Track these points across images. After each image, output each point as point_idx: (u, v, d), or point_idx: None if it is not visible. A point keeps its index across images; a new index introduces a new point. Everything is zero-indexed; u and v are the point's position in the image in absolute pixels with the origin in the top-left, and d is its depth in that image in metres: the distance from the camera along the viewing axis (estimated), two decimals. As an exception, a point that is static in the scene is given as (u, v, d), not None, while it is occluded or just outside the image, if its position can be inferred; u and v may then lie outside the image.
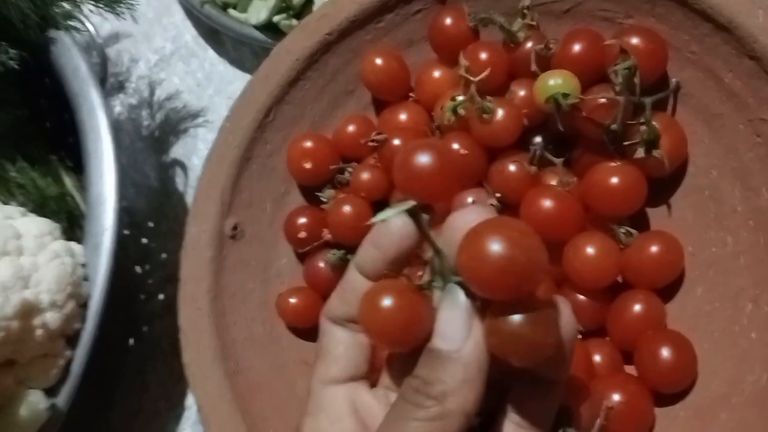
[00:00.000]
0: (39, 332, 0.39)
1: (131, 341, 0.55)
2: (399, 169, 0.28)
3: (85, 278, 0.42)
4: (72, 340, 0.41)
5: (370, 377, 0.31)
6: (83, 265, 0.42)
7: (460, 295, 0.27)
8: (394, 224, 0.28)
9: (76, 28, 0.48)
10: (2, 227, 0.39)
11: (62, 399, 0.41)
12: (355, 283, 0.30)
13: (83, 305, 0.41)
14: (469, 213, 0.27)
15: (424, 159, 0.28)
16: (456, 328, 0.26)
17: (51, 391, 0.41)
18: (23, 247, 0.39)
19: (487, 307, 0.26)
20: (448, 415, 0.25)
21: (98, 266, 0.42)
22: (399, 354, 0.30)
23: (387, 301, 0.27)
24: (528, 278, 0.25)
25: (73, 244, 0.42)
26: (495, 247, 0.24)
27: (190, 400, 0.51)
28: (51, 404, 0.40)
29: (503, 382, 0.28)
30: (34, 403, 0.39)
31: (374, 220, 0.28)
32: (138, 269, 0.58)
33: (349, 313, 0.30)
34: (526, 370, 0.27)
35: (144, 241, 0.59)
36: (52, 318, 0.39)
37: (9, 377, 0.38)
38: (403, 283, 0.28)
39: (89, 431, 0.51)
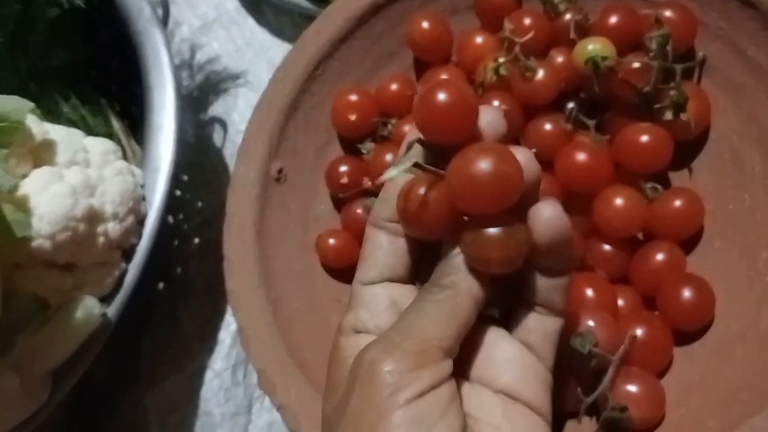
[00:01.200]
0: (100, 239, 0.41)
1: (161, 284, 0.57)
2: (417, 107, 0.31)
3: (143, 198, 0.44)
4: (127, 253, 0.43)
5: (411, 279, 0.34)
6: (142, 186, 0.44)
7: None
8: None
9: (142, -25, 0.51)
10: (72, 140, 0.41)
11: (113, 310, 0.43)
12: (397, 181, 0.33)
13: (141, 222, 0.44)
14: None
15: (441, 96, 0.30)
16: None
17: (103, 301, 0.42)
18: (90, 160, 0.42)
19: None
20: (457, 295, 0.30)
21: (156, 188, 0.44)
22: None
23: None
24: (503, 194, 0.29)
25: (133, 167, 0.45)
26: (480, 165, 0.28)
27: (222, 335, 0.53)
28: (103, 312, 0.42)
29: (519, 278, 0.32)
30: (89, 307, 0.40)
31: (385, 176, 0.31)
32: (171, 218, 0.60)
33: (392, 210, 0.32)
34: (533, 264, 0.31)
35: (178, 192, 0.61)
36: (112, 228, 0.41)
37: (69, 279, 0.40)
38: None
39: (121, 360, 0.52)
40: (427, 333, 0.29)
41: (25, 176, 0.39)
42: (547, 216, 0.30)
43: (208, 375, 0.52)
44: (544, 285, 0.31)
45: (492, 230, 0.29)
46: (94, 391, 0.53)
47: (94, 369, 0.43)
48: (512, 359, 0.32)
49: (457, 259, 0.31)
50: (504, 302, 0.33)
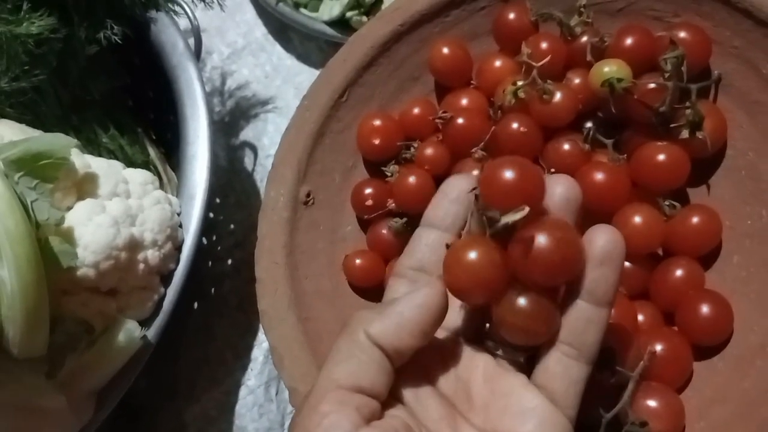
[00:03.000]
0: (141, 266, 0.43)
1: (195, 304, 0.59)
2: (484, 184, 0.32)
3: (180, 226, 0.46)
4: (166, 278, 0.45)
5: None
6: (178, 214, 0.47)
7: None
8: (459, 179, 0.35)
9: (174, 11, 0.53)
10: (112, 172, 0.44)
11: (152, 332, 0.45)
12: (421, 235, 0.34)
13: (178, 248, 0.46)
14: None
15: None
16: None
17: (144, 324, 0.45)
18: (130, 191, 0.44)
19: None
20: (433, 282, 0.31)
21: (192, 215, 0.46)
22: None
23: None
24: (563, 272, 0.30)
25: (170, 196, 0.47)
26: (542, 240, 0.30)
27: (256, 353, 0.55)
28: (144, 334, 0.44)
29: None
30: (131, 330, 0.43)
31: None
32: (204, 240, 0.62)
33: (416, 260, 0.34)
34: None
35: (211, 215, 0.63)
36: (152, 255, 0.44)
37: (112, 304, 0.43)
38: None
39: (161, 376, 0.55)
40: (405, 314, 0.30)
41: (69, 208, 0.42)
42: (604, 228, 0.31)
43: (243, 391, 0.54)
44: (581, 316, 0.31)
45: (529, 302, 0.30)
46: (134, 407, 0.55)
47: (134, 385, 0.46)
48: (531, 410, 0.30)
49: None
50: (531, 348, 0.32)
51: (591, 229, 0.31)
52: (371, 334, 0.30)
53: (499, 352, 0.33)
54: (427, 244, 0.34)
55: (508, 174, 0.30)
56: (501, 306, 0.31)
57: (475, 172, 0.47)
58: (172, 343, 0.56)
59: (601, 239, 0.30)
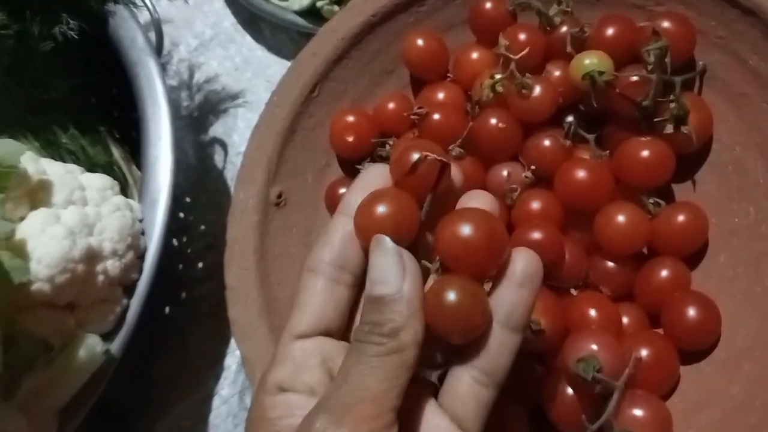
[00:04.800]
0: (100, 278, 0.41)
1: (167, 308, 0.57)
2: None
3: (142, 233, 0.44)
4: (129, 289, 0.43)
5: (345, 334, 0.32)
6: (140, 221, 0.44)
7: (387, 242, 0.29)
8: (375, 168, 0.32)
9: (134, 4, 0.51)
10: (68, 178, 0.41)
11: (116, 345, 0.43)
12: (338, 224, 0.32)
13: (140, 257, 0.44)
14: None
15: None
16: (391, 272, 0.28)
17: (106, 337, 0.43)
18: (87, 198, 0.42)
19: None
20: (405, 347, 0.28)
21: (155, 221, 0.44)
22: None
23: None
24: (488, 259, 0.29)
25: (132, 201, 0.45)
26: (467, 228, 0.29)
27: (229, 360, 0.53)
28: (106, 349, 0.42)
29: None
30: (92, 345, 0.41)
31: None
32: (175, 241, 0.60)
33: (334, 253, 0.31)
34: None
35: (181, 215, 0.61)
36: (112, 266, 0.41)
37: (71, 319, 0.40)
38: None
39: (132, 386, 0.53)
40: (377, 393, 0.27)
41: (22, 218, 0.39)
42: (523, 251, 0.30)
43: (216, 401, 0.52)
44: (496, 341, 0.29)
45: (464, 294, 0.29)
46: (106, 418, 0.53)
47: (105, 397, 0.44)
48: None
49: (399, 302, 0.28)
50: (445, 363, 0.31)
51: (512, 251, 0.30)
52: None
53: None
54: (345, 235, 0.31)
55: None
56: (432, 300, 0.29)
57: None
58: (144, 351, 0.54)
59: (521, 262, 0.29)
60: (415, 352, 0.28)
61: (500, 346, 0.29)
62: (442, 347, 0.31)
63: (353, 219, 0.31)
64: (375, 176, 0.32)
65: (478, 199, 0.31)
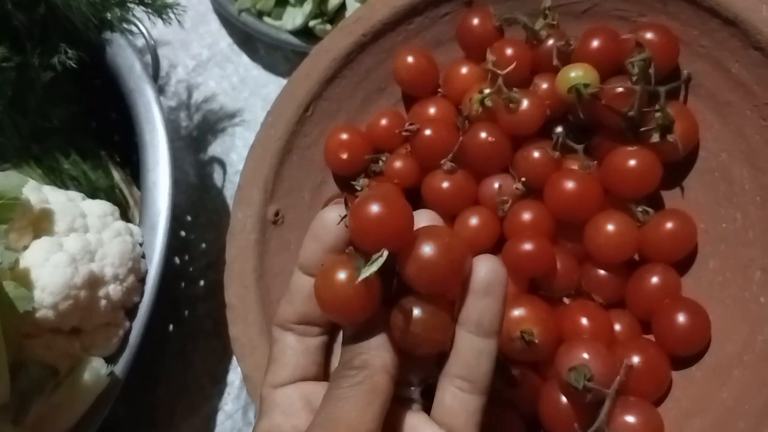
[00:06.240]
0: (103, 302, 0.42)
1: (171, 326, 0.58)
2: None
3: (143, 256, 0.45)
4: (131, 312, 0.44)
5: (322, 378, 0.33)
6: (141, 244, 0.45)
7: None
8: (328, 215, 0.31)
9: (130, 31, 0.52)
10: (69, 206, 0.43)
11: (120, 368, 0.44)
12: (299, 284, 0.32)
13: (141, 280, 0.45)
14: None
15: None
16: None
17: (110, 360, 0.44)
18: (89, 225, 0.43)
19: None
20: (374, 374, 0.29)
21: (155, 245, 0.45)
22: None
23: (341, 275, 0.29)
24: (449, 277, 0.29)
25: (132, 225, 0.46)
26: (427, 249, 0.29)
27: (232, 376, 0.54)
28: (111, 371, 0.43)
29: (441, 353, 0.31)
30: (97, 368, 0.42)
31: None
32: (177, 260, 0.61)
33: (298, 313, 0.32)
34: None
35: (182, 233, 0.62)
36: (114, 290, 0.42)
37: (76, 343, 0.42)
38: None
39: (138, 405, 0.54)
40: (352, 420, 0.28)
41: (26, 247, 0.40)
42: (485, 258, 0.30)
43: (220, 417, 0.53)
44: (472, 349, 0.30)
45: (425, 311, 0.29)
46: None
47: (112, 416, 0.45)
48: None
49: (366, 339, 0.30)
50: (423, 380, 0.32)
51: (474, 260, 0.30)
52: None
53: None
54: (306, 296, 0.32)
55: (374, 209, 0.28)
56: (396, 316, 0.30)
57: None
58: (148, 371, 0.55)
59: (483, 270, 0.30)
60: (385, 377, 0.29)
61: (477, 353, 0.30)
62: (423, 365, 0.32)
63: (314, 287, 0.31)
64: (326, 224, 0.31)
65: (425, 216, 0.31)
